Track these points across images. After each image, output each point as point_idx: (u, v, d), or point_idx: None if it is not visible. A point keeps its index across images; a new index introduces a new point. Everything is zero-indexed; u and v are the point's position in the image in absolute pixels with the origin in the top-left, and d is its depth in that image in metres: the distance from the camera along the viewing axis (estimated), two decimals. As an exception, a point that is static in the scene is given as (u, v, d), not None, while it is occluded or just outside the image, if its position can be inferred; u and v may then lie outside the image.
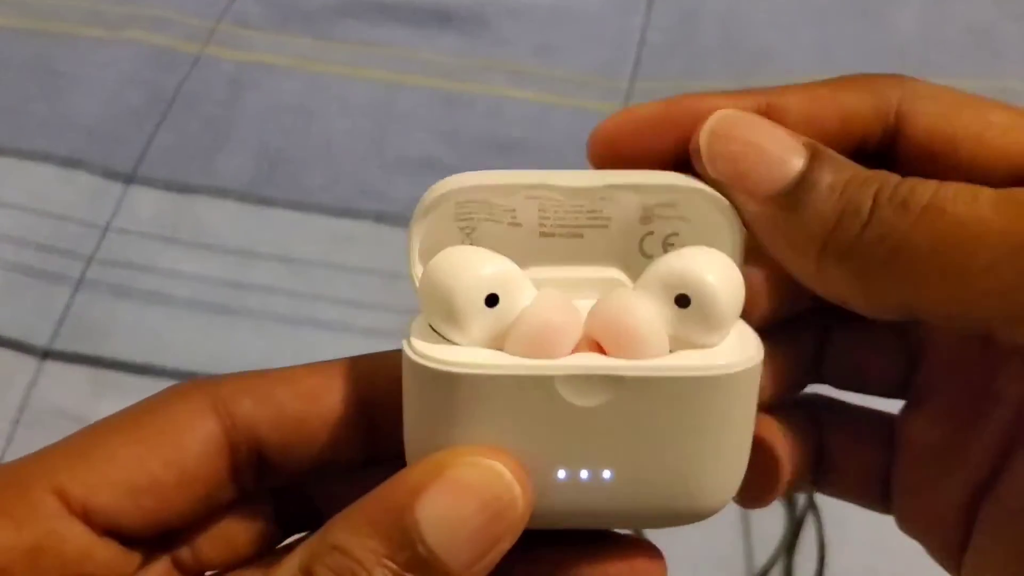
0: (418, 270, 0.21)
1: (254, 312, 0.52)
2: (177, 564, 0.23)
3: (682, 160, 0.22)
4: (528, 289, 0.20)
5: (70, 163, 0.57)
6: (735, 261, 0.21)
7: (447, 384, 0.20)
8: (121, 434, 0.21)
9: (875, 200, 0.20)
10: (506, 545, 0.19)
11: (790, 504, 0.44)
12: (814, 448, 0.25)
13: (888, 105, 0.23)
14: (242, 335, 0.51)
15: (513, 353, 0.20)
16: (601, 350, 0.20)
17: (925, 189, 0.20)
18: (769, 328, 0.22)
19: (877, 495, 0.25)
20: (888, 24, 0.62)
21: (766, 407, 0.24)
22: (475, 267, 0.20)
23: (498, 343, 0.20)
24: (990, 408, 0.23)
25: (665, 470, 0.20)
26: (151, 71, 0.62)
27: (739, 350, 0.20)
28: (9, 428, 0.48)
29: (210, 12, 0.65)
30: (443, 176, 0.22)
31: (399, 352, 0.20)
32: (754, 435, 0.21)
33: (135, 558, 0.22)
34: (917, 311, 0.20)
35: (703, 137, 0.21)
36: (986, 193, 0.19)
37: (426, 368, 0.20)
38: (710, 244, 0.21)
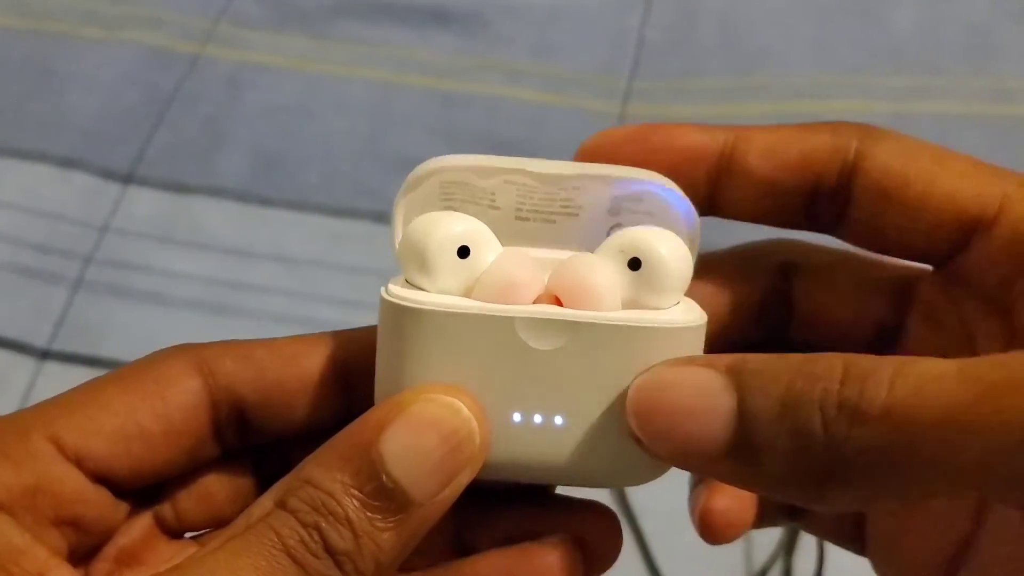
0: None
1: (251, 312, 0.52)
2: (159, 522, 0.24)
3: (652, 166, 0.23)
4: (497, 248, 0.23)
5: (67, 163, 0.57)
6: (691, 254, 0.23)
7: (413, 321, 0.21)
8: (112, 388, 0.23)
9: (823, 414, 0.18)
10: (466, 479, 0.21)
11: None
12: None
13: (848, 144, 0.23)
14: (239, 335, 0.50)
15: (478, 300, 0.22)
16: (560, 304, 0.22)
17: (876, 389, 0.18)
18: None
19: (850, 539, 0.26)
20: (886, 23, 0.62)
21: None
22: (449, 222, 0.22)
23: (466, 294, 0.22)
24: None
25: (612, 419, 0.21)
26: (149, 71, 0.62)
27: (683, 312, 0.22)
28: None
29: (207, 12, 0.65)
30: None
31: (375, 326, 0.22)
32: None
33: (123, 508, 0.23)
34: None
35: (631, 421, 0.21)
36: (949, 382, 0.17)
37: (394, 305, 0.21)
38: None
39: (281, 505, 0.20)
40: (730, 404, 0.19)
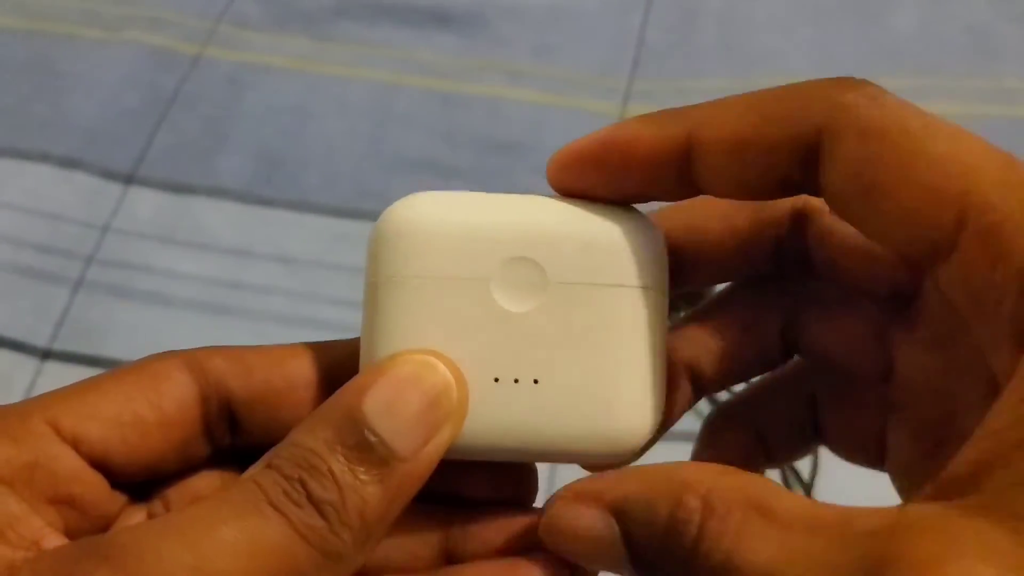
0: None
1: (252, 312, 0.52)
2: (152, 519, 0.24)
3: (620, 184, 0.23)
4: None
5: (69, 163, 0.57)
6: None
7: (389, 290, 0.23)
8: (109, 381, 0.24)
9: (689, 545, 0.19)
10: (446, 435, 0.22)
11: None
12: None
13: (813, 135, 0.21)
14: (240, 335, 0.51)
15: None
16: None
17: (718, 540, 0.19)
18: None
19: (871, 459, 0.27)
20: (886, 24, 0.62)
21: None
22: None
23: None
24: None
25: (587, 380, 0.22)
26: (150, 72, 0.62)
27: (650, 274, 0.23)
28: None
29: (209, 13, 0.65)
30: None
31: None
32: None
33: (119, 499, 0.24)
34: None
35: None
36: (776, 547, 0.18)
37: (376, 272, 0.23)
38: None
39: (270, 466, 0.21)
40: (618, 535, 0.21)
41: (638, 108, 0.59)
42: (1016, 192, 0.19)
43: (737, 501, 0.19)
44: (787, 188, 0.22)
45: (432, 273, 0.22)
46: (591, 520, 0.21)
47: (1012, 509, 0.16)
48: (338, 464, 0.21)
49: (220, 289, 0.52)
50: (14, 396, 0.49)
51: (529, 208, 0.23)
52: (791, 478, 0.43)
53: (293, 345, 0.26)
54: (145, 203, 0.56)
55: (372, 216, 0.24)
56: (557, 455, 0.23)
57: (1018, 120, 0.57)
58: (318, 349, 0.25)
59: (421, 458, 0.21)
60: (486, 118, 0.60)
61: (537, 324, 0.22)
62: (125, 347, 0.50)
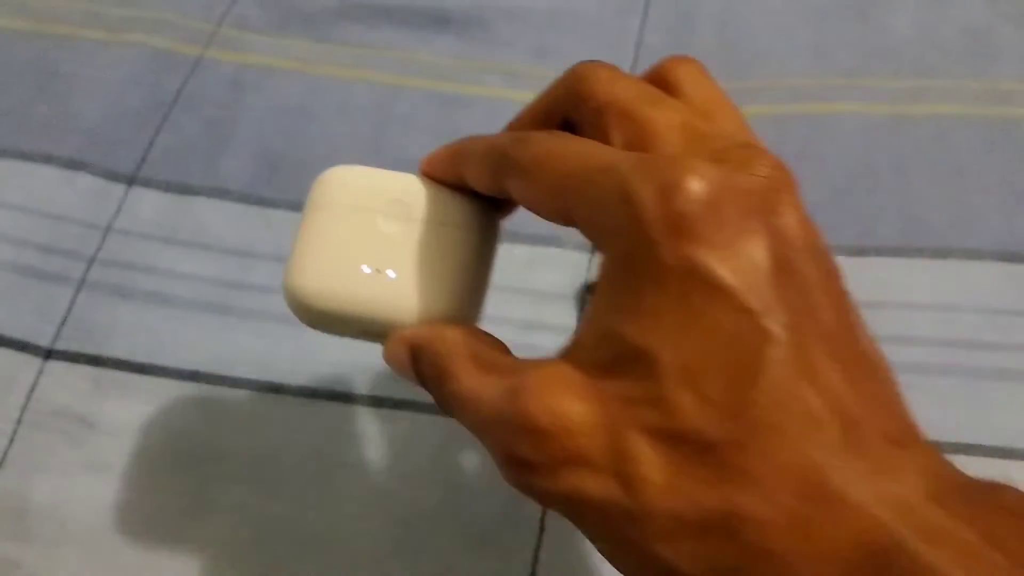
0: None
1: (254, 312, 0.52)
2: None
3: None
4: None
5: (72, 165, 0.58)
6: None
7: (317, 210, 0.35)
8: None
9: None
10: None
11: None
12: None
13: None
14: (242, 335, 0.51)
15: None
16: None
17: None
18: None
19: None
20: (884, 26, 0.62)
21: None
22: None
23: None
24: None
25: (422, 276, 0.33)
26: (152, 73, 0.62)
27: (483, 213, 0.35)
28: (12, 427, 0.48)
29: (211, 15, 0.65)
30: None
31: None
32: None
33: None
34: None
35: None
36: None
37: (309, 201, 0.35)
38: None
39: None
40: (407, 361, 0.32)
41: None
42: None
43: (460, 352, 0.30)
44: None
45: (342, 203, 0.34)
46: (394, 349, 0.33)
47: (589, 360, 0.26)
48: None
49: (222, 289, 0.53)
50: (16, 396, 0.49)
51: (409, 177, 0.36)
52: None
53: None
54: (147, 204, 0.56)
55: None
56: (390, 325, 0.33)
57: (1014, 121, 0.57)
58: None
59: None
60: (486, 119, 0.60)
61: (399, 240, 0.34)
62: (128, 346, 0.50)
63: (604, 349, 0.26)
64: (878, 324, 0.51)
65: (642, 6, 0.65)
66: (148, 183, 0.57)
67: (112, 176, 0.57)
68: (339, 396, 0.49)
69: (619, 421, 0.25)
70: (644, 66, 0.62)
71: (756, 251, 0.25)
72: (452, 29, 0.64)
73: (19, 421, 0.48)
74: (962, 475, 0.25)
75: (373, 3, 0.65)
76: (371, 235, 0.34)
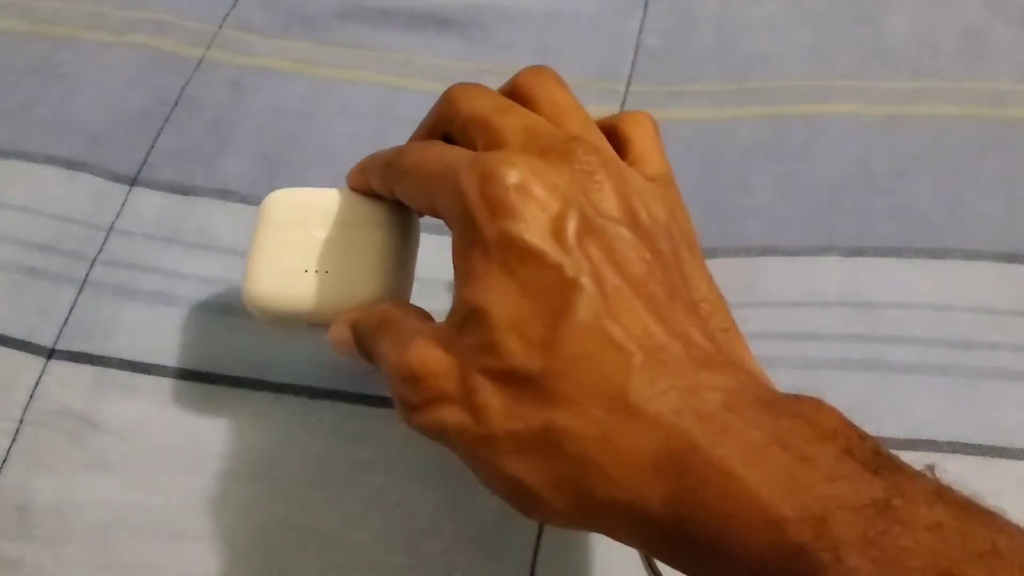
0: None
1: (256, 312, 0.52)
2: None
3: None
4: None
5: (74, 165, 0.58)
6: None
7: (265, 225, 0.43)
8: None
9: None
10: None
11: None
12: None
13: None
14: (244, 335, 0.51)
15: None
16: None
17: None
18: None
19: None
20: (881, 27, 0.63)
21: None
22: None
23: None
24: None
25: (348, 272, 0.40)
26: (154, 75, 0.62)
27: (400, 213, 0.42)
28: (14, 427, 0.48)
29: (212, 17, 0.65)
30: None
31: None
32: None
33: None
34: None
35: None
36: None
37: (259, 218, 0.43)
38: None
39: None
40: (351, 339, 0.39)
41: (637, 110, 0.59)
42: None
43: (384, 321, 0.37)
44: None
45: (282, 219, 0.42)
46: (337, 332, 0.39)
47: (451, 321, 0.33)
48: None
49: (224, 289, 0.53)
50: (19, 396, 0.49)
51: (336, 192, 0.42)
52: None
53: None
54: (149, 204, 0.56)
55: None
56: (332, 314, 0.40)
57: (1012, 122, 0.57)
58: None
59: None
60: (486, 120, 0.60)
61: (331, 244, 0.41)
62: (130, 346, 0.50)
63: (457, 311, 0.32)
64: (876, 324, 0.52)
65: (641, 7, 0.65)
66: (150, 184, 0.57)
67: (114, 177, 0.57)
68: (339, 396, 0.49)
69: (467, 365, 0.31)
70: (643, 66, 0.62)
71: (561, 221, 0.31)
72: (453, 31, 0.64)
73: (21, 420, 0.49)
74: (770, 391, 0.29)
75: (374, 5, 0.66)
76: (308, 243, 0.41)
